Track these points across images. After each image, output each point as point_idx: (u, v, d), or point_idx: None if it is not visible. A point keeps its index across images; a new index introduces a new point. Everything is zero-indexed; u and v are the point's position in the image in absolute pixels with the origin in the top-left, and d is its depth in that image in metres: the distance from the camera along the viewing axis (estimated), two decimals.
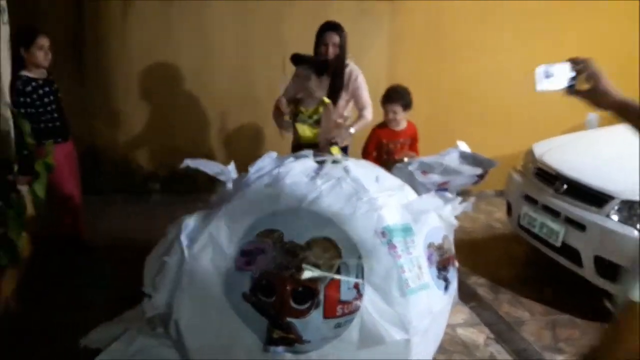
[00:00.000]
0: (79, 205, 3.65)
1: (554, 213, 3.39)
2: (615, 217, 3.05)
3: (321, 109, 3.35)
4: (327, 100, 3.38)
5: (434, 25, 5.12)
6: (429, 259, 2.17)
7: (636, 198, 3.01)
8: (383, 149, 3.58)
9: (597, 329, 3.12)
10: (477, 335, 3.01)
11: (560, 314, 3.27)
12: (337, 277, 1.91)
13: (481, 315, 3.23)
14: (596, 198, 3.18)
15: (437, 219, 2.32)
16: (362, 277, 1.95)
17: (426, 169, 2.68)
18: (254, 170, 2.35)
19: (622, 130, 4.33)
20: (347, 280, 1.92)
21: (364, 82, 3.60)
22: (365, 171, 2.37)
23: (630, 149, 3.78)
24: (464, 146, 2.83)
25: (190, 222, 2.14)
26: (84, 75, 4.65)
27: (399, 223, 2.12)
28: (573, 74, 1.61)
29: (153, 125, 4.89)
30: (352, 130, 3.46)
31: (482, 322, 3.14)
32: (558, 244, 3.31)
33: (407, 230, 2.12)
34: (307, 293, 1.90)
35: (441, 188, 2.63)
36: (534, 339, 3.01)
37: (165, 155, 4.88)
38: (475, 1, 5.10)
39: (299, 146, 3.39)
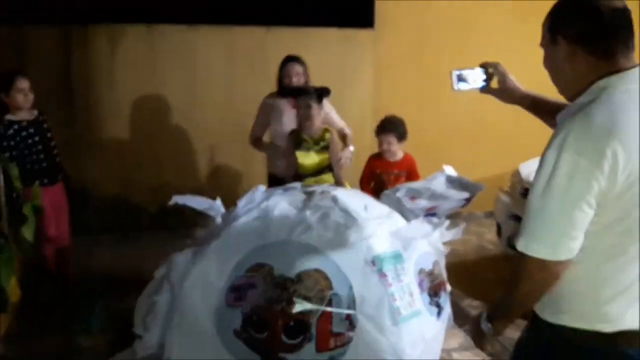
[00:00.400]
0: (67, 248, 3.62)
1: None
2: None
3: (327, 135, 3.39)
4: (329, 127, 3.50)
5: (417, 51, 5.20)
6: (420, 285, 2.16)
7: None
8: (376, 179, 3.57)
9: None
10: (473, 359, 2.99)
11: None
12: (328, 309, 1.90)
13: None
14: None
15: (427, 244, 2.31)
16: (354, 308, 1.94)
17: (414, 194, 2.65)
18: (242, 204, 2.34)
19: None
20: (338, 311, 1.91)
21: (331, 106, 3.74)
22: (353, 200, 2.37)
23: None
24: (450, 170, 2.83)
25: (179, 260, 2.12)
26: (74, 115, 4.68)
27: (389, 251, 2.12)
28: (484, 76, 1.82)
29: (142, 161, 4.89)
30: (351, 148, 3.58)
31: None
32: None
33: (397, 258, 2.12)
34: (299, 327, 1.88)
35: (429, 213, 2.63)
36: None
37: (155, 191, 4.87)
38: (455, 29, 5.20)
39: (298, 175, 3.32)
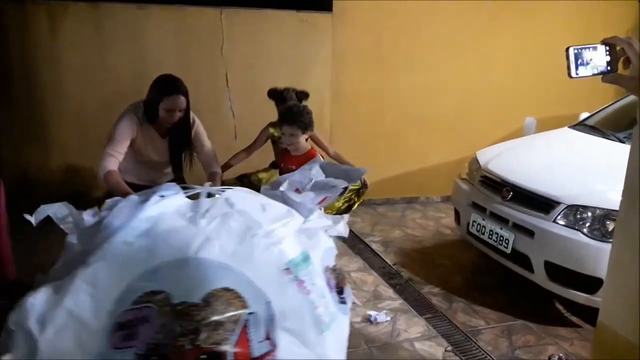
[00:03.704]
0: (4, 245, 3.35)
1: (503, 220, 3.43)
2: (562, 222, 3.11)
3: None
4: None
5: (376, 38, 5.14)
6: (329, 284, 1.96)
7: (581, 202, 3.09)
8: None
9: (551, 333, 3.18)
10: (436, 348, 2.99)
11: (515, 320, 3.31)
12: (245, 332, 1.63)
13: (437, 326, 3.22)
14: (542, 204, 3.24)
15: (328, 239, 2.10)
16: (275, 325, 1.71)
17: (297, 186, 2.41)
18: (112, 217, 1.88)
19: (560, 135, 4.48)
20: (257, 333, 1.66)
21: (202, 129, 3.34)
22: (249, 201, 2.05)
23: (571, 152, 3.93)
24: (320, 159, 2.68)
25: (36, 302, 1.65)
26: (12, 99, 4.38)
27: (300, 253, 1.87)
28: (608, 57, 1.39)
29: (89, 147, 4.64)
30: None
31: (439, 334, 3.12)
32: (508, 250, 3.36)
33: (307, 260, 1.88)
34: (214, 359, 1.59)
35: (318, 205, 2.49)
36: (491, 348, 3.02)
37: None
38: (411, 18, 5.17)
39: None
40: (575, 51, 1.39)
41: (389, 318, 3.26)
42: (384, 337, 3.08)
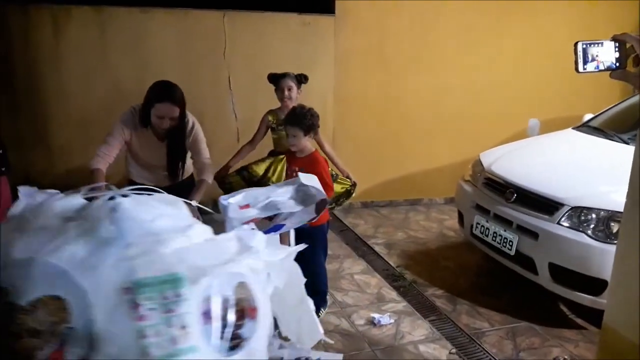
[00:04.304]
0: None
1: (506, 222, 3.42)
2: (566, 224, 3.10)
3: None
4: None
5: (378, 41, 5.14)
6: (205, 314, 1.72)
7: (585, 204, 3.07)
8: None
9: (556, 335, 3.17)
10: (440, 351, 2.98)
11: (519, 322, 3.30)
12: (62, 348, 1.55)
13: (441, 329, 3.21)
14: (546, 205, 3.23)
15: (230, 264, 1.85)
16: (96, 347, 1.57)
17: (250, 201, 2.24)
18: (15, 207, 1.89)
19: (564, 136, 4.46)
20: (73, 351, 1.55)
21: (202, 135, 3.28)
22: (141, 210, 1.87)
23: (575, 154, 3.92)
24: (305, 178, 2.58)
25: None
26: (16, 103, 4.39)
27: (161, 274, 1.67)
28: (617, 54, 1.41)
29: (93, 153, 4.62)
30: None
31: (443, 337, 3.11)
32: (512, 252, 3.34)
33: (172, 282, 1.68)
34: None
35: (277, 225, 2.29)
36: (496, 350, 3.00)
37: (106, 180, 4.66)
38: (415, 19, 5.16)
39: (276, 152, 3.60)
40: (584, 46, 1.40)
41: (392, 320, 3.26)
42: (387, 339, 3.08)
